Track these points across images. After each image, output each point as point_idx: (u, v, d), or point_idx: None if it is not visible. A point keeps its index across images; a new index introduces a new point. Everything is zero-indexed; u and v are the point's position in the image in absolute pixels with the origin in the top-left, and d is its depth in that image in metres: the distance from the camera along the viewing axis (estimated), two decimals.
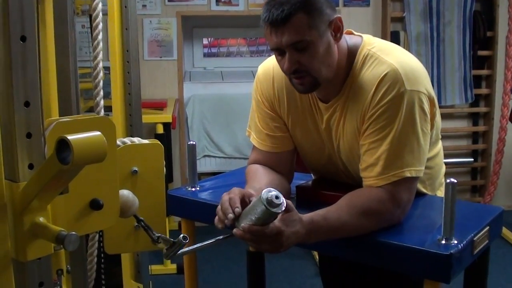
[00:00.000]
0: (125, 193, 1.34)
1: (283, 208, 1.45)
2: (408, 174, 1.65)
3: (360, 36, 1.79)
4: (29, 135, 1.02)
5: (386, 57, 1.69)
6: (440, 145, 1.96)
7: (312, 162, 2.00)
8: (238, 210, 1.53)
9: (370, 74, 1.69)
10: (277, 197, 1.43)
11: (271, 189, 1.46)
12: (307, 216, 1.57)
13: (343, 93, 1.75)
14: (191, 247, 1.59)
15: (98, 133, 0.94)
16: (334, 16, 1.66)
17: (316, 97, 1.82)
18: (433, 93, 1.74)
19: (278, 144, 1.92)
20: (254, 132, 1.98)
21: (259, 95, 1.93)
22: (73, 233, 0.99)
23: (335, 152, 1.86)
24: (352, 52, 1.74)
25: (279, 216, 1.49)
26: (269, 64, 1.92)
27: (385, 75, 1.65)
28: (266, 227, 1.47)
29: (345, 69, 1.74)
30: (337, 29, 1.68)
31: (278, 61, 1.70)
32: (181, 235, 1.43)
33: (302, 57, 1.64)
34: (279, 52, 1.67)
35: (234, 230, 1.52)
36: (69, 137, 0.90)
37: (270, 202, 1.43)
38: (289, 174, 1.97)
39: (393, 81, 1.64)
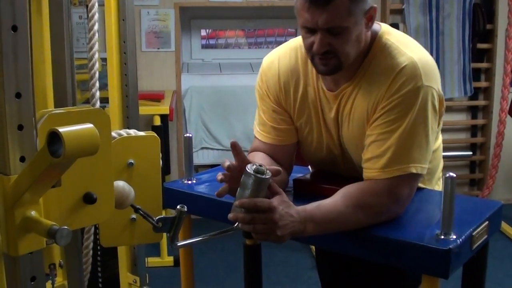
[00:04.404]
0: (120, 184, 1.33)
1: (270, 174, 1.51)
2: (413, 170, 1.63)
3: (378, 24, 1.76)
4: (20, 127, 1.00)
5: (405, 49, 1.67)
6: (440, 140, 1.94)
7: (312, 154, 1.97)
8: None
9: (387, 63, 1.66)
10: (260, 165, 1.51)
11: (252, 163, 1.54)
12: (300, 207, 1.56)
13: (354, 80, 1.72)
14: (192, 239, 1.58)
15: (90, 125, 0.93)
16: (371, 5, 1.64)
17: (322, 87, 1.79)
18: (442, 93, 1.72)
19: (283, 136, 1.89)
20: (258, 125, 1.95)
21: (264, 89, 1.90)
22: (65, 227, 0.97)
23: (335, 141, 1.83)
24: (370, 39, 1.72)
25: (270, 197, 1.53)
26: (274, 57, 1.90)
27: (404, 67, 1.63)
28: (257, 199, 1.49)
29: (361, 56, 1.71)
30: (370, 18, 1.65)
31: (304, 38, 1.67)
32: (178, 206, 1.42)
33: (334, 41, 1.61)
34: (309, 30, 1.63)
35: (229, 215, 1.52)
36: (61, 129, 0.88)
37: (257, 171, 1.49)
38: (289, 167, 1.95)
39: (412, 74, 1.62)
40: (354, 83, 1.72)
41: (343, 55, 1.63)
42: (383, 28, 1.74)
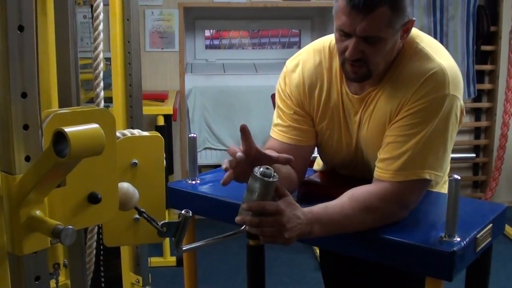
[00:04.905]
0: (124, 185, 1.33)
1: (277, 177, 1.50)
2: (427, 176, 1.63)
3: None
4: (26, 127, 1.00)
5: (435, 55, 1.66)
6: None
7: (331, 157, 1.96)
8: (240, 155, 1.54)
9: (417, 68, 1.65)
10: (267, 168, 1.49)
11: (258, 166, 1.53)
12: (306, 208, 1.56)
13: (380, 83, 1.71)
14: (198, 243, 1.58)
15: (96, 125, 0.93)
16: (409, 18, 1.62)
17: (347, 91, 1.78)
18: (463, 103, 1.71)
19: (301, 137, 1.85)
20: (275, 125, 1.90)
21: (287, 91, 1.86)
22: (70, 227, 0.97)
23: (354, 143, 1.82)
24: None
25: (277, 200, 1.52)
26: (298, 60, 1.87)
27: (434, 73, 1.62)
28: (265, 202, 1.48)
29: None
30: (406, 30, 1.64)
31: (338, 41, 1.65)
32: (183, 211, 1.42)
33: (368, 49, 1.60)
34: (345, 34, 1.61)
35: (236, 218, 1.52)
36: (66, 129, 0.88)
37: (264, 174, 1.48)
38: (302, 171, 1.90)
39: (440, 81, 1.62)
40: (380, 85, 1.72)
41: (374, 65, 1.63)
42: (413, 32, 1.72)
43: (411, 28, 1.66)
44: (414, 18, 1.65)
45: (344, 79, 1.77)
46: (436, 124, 1.62)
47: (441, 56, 1.68)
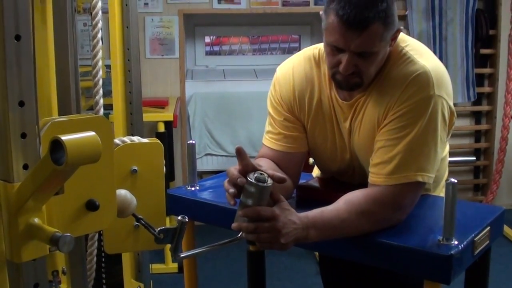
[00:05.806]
0: (122, 192, 1.33)
1: (271, 182, 1.51)
2: (420, 179, 1.64)
3: None
4: (23, 135, 1.01)
5: (420, 58, 1.68)
6: (447, 149, 1.94)
7: (325, 163, 1.96)
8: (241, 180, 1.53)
9: (401, 72, 1.67)
10: (261, 174, 1.50)
11: (254, 170, 1.53)
12: (303, 213, 1.56)
13: (368, 89, 1.73)
14: (195, 250, 1.58)
15: (93, 133, 0.93)
16: (398, 27, 1.65)
17: (336, 97, 1.79)
18: (452, 104, 1.72)
19: (293, 144, 1.86)
20: (267, 133, 1.92)
21: (278, 98, 1.88)
22: (68, 234, 0.98)
23: (347, 149, 1.83)
24: None
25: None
26: (288, 67, 1.89)
27: (417, 75, 1.64)
28: (260, 208, 1.49)
29: None
30: (394, 38, 1.66)
31: (330, 55, 1.66)
32: (179, 216, 1.42)
33: (361, 63, 1.62)
34: (338, 49, 1.63)
35: (232, 225, 1.53)
36: (63, 137, 0.89)
37: (258, 179, 1.49)
38: (295, 177, 1.91)
39: (424, 82, 1.63)
40: (367, 91, 1.73)
41: (366, 75, 1.65)
42: (399, 36, 1.73)
43: (398, 35, 1.68)
44: (401, 27, 1.67)
45: (333, 85, 1.78)
46: (424, 126, 1.63)
47: (425, 58, 1.69)
